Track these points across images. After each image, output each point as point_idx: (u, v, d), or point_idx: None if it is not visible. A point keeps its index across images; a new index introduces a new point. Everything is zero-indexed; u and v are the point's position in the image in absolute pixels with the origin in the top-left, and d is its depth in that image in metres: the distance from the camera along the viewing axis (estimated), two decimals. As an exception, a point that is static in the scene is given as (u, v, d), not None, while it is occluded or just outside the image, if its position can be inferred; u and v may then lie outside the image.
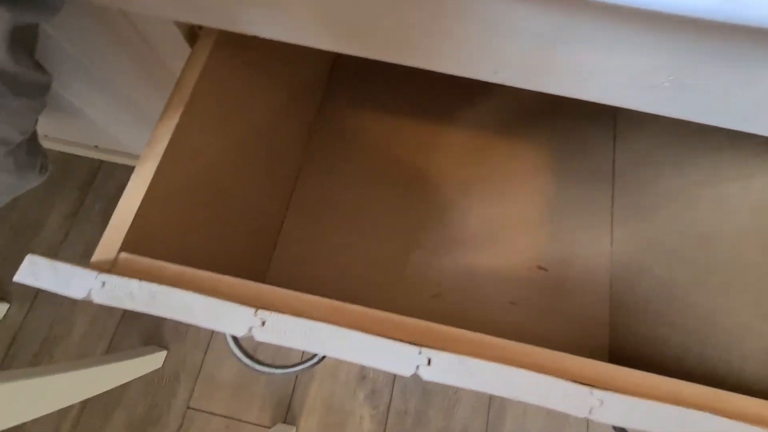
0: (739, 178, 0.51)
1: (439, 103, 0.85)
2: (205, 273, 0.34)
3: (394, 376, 0.77)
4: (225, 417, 0.75)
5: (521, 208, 0.78)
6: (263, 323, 0.29)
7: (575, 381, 0.27)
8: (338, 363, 0.78)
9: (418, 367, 0.28)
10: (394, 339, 0.28)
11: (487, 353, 0.29)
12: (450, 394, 0.76)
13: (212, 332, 0.79)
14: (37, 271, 0.29)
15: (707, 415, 0.27)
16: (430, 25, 0.31)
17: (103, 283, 0.29)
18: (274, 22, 0.33)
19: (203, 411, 0.75)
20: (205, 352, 0.78)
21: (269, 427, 0.74)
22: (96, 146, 0.86)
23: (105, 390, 0.68)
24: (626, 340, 0.67)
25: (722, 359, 0.47)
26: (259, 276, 0.73)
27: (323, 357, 0.37)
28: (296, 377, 0.77)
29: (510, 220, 0.78)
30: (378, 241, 0.76)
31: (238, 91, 0.51)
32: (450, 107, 0.84)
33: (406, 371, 0.28)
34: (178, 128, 0.39)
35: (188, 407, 0.75)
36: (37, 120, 0.38)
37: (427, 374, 0.28)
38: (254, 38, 0.43)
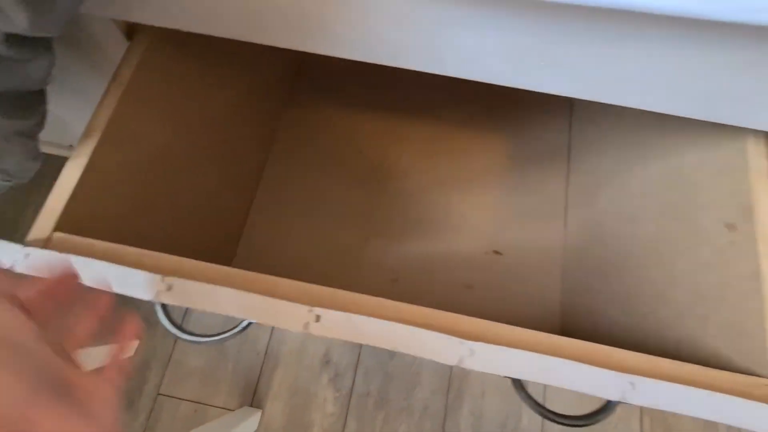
0: (662, 157, 0.53)
1: (403, 99, 0.87)
2: (132, 249, 0.36)
3: (357, 361, 0.80)
4: (193, 402, 0.78)
5: (478, 195, 0.81)
6: (170, 288, 0.32)
7: (447, 333, 0.30)
8: (303, 348, 0.81)
9: (307, 323, 0.31)
10: (285, 298, 0.31)
11: (373, 312, 0.31)
12: (410, 377, 0.78)
13: (181, 322, 0.82)
14: (-34, 245, 0.32)
15: (574, 363, 0.30)
16: (325, 12, 0.34)
17: (27, 255, 0.32)
18: (180, 12, 0.36)
19: (173, 396, 0.78)
20: (175, 341, 0.81)
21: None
22: (71, 146, 0.89)
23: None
24: (575, 320, 0.70)
25: (641, 328, 0.50)
26: (225, 263, 0.76)
27: (247, 325, 0.40)
28: (262, 363, 0.80)
29: (467, 206, 0.80)
30: (339, 230, 0.79)
31: (186, 84, 0.54)
32: (414, 103, 0.87)
33: (296, 327, 0.31)
34: (115, 116, 0.42)
35: (158, 393, 0.78)
36: None
37: (315, 330, 0.31)
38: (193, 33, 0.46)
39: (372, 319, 0.31)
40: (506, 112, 0.86)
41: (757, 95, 0.31)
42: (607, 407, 0.36)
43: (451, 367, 0.79)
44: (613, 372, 0.29)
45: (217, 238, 0.73)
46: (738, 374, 0.32)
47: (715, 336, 0.38)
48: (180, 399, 0.78)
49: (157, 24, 0.38)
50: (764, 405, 0.28)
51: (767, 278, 0.35)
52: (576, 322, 0.69)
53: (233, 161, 0.71)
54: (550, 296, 0.75)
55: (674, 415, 0.87)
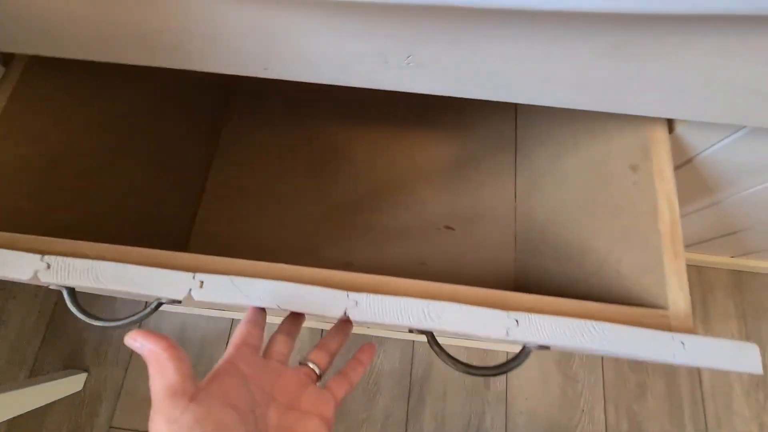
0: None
1: (357, 99, 0.86)
2: (20, 236, 0.35)
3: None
4: (146, 432, 0.74)
5: (429, 174, 0.80)
6: (48, 266, 0.31)
7: (332, 287, 0.29)
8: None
9: (191, 290, 0.30)
10: (169, 268, 0.30)
11: (258, 273, 0.31)
12: (370, 386, 0.76)
13: (131, 351, 0.79)
14: None
15: (456, 304, 0.29)
16: (178, 29, 0.32)
17: None
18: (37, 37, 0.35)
19: (125, 429, 0.75)
20: (126, 370, 0.78)
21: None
22: None
23: (25, 411, 0.68)
24: (527, 287, 0.68)
25: (576, 278, 0.49)
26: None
27: (155, 307, 0.38)
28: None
29: (418, 185, 0.79)
30: (291, 217, 0.78)
31: (87, 85, 0.52)
32: (365, 102, 0.86)
33: (180, 295, 0.30)
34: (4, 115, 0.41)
35: (110, 426, 0.75)
36: None
37: (198, 295, 0.30)
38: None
39: (256, 280, 0.30)
40: (458, 110, 0.86)
41: (623, 81, 0.30)
42: (520, 355, 0.35)
43: (410, 372, 0.77)
44: (496, 311, 0.28)
45: (165, 235, 0.71)
46: (635, 307, 0.31)
47: (627, 277, 0.38)
48: (133, 430, 0.75)
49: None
50: (649, 330, 0.27)
51: (663, 214, 0.35)
52: (530, 290, 0.68)
53: (171, 157, 0.69)
54: (503, 267, 0.74)
55: (638, 402, 0.85)
